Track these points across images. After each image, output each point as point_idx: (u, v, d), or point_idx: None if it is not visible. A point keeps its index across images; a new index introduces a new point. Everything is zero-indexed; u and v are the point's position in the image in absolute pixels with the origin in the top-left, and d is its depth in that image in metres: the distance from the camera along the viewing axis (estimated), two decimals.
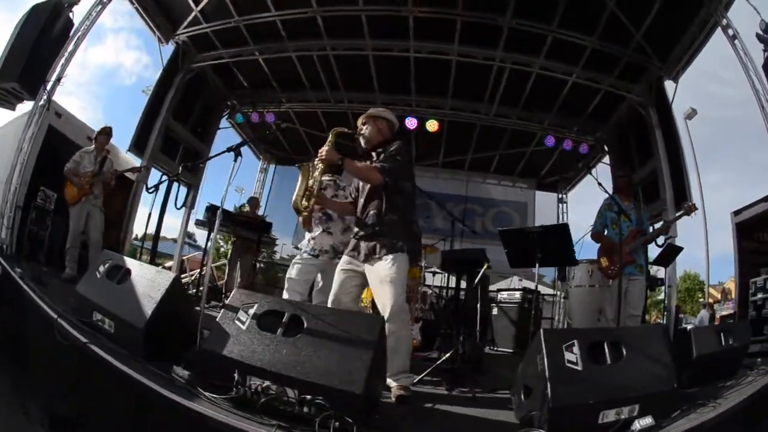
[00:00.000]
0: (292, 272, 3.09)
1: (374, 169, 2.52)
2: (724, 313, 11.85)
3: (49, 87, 5.22)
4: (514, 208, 10.57)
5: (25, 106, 5.32)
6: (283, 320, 2.04)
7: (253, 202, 7.32)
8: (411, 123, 7.75)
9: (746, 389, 2.34)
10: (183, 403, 1.75)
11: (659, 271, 5.37)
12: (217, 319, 2.14)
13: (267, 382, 1.82)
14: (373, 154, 2.69)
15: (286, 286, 3.10)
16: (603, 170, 8.47)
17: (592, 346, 2.07)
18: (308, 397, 1.76)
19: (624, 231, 3.67)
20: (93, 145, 4.90)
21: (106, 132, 5.02)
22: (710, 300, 9.27)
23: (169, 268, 7.78)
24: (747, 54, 4.16)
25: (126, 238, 6.22)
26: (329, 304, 2.56)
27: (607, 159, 8.42)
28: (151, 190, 6.20)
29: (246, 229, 6.10)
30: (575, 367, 1.99)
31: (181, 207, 7.29)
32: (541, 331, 2.15)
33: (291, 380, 1.83)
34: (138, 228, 6.88)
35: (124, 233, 6.20)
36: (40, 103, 5.19)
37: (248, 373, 1.88)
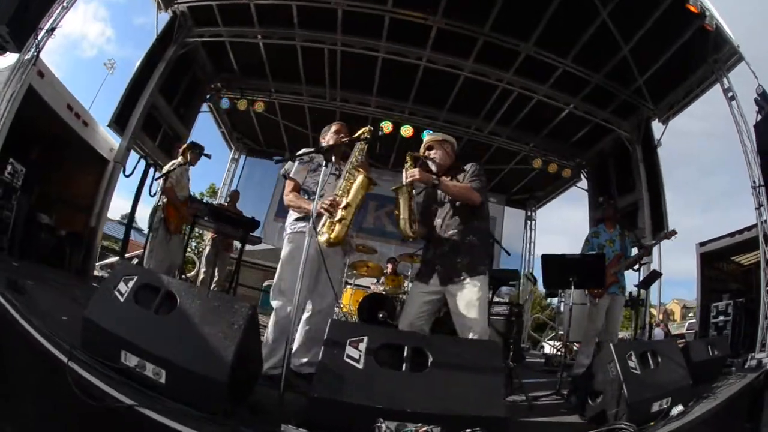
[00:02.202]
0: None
1: (471, 189, 2.87)
2: (676, 332, 14.21)
3: (40, 37, 4.87)
4: None
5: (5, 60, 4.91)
6: (405, 355, 2.19)
7: (234, 195, 7.48)
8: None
9: (733, 387, 3.59)
10: None
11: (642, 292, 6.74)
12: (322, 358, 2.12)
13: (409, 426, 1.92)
14: (443, 178, 3.04)
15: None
16: (576, 193, 10.17)
17: (641, 355, 3.00)
18: (469, 430, 1.95)
19: (609, 256, 4.76)
20: (182, 160, 4.98)
21: (197, 147, 5.10)
22: (660, 318, 11.14)
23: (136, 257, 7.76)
24: (742, 114, 5.45)
25: (98, 227, 6.05)
26: (402, 326, 2.96)
27: (581, 184, 9.99)
28: (128, 174, 6.39)
29: (230, 225, 6.02)
30: (636, 372, 2.88)
31: (155, 194, 7.39)
32: (611, 345, 3.02)
33: (432, 417, 1.98)
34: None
35: (96, 221, 6.04)
36: (27, 57, 4.85)
37: (383, 416, 1.94)
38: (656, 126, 7.62)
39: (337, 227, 2.76)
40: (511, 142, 9.32)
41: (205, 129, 9.91)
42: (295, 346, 3.11)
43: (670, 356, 3.18)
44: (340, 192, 2.90)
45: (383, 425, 1.90)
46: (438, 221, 3.03)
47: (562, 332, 8.18)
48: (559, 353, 7.58)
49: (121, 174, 6.33)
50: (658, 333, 10.45)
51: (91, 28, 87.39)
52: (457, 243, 2.90)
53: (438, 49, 7.21)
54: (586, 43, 6.51)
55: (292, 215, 3.19)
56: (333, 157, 3.01)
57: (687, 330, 14.58)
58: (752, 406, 3.74)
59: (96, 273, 6.29)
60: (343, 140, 3.20)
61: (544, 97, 7.80)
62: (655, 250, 6.16)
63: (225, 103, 8.70)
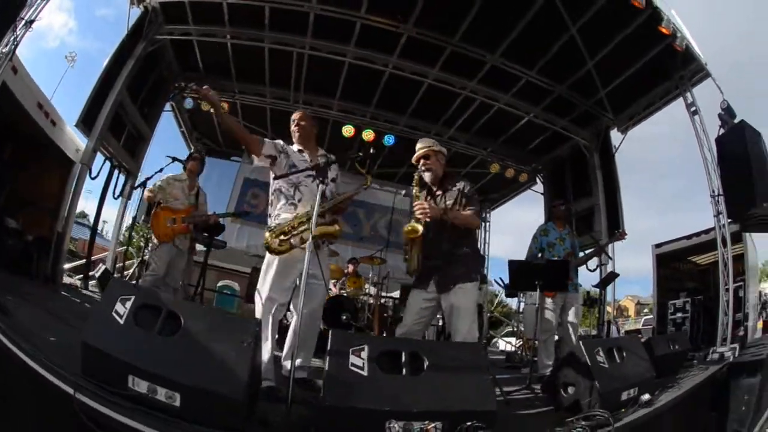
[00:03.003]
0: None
1: (475, 216, 3.19)
2: (631, 328, 15.14)
3: (19, 29, 4.53)
4: None
5: None
6: (403, 360, 2.33)
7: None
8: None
9: (696, 378, 4.02)
10: None
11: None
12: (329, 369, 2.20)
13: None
14: (434, 187, 3.34)
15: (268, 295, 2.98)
16: (529, 195, 10.68)
17: (608, 350, 3.33)
18: (468, 423, 2.15)
19: (560, 253, 5.08)
20: (183, 173, 4.86)
21: (200, 158, 5.03)
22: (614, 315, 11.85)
23: (103, 261, 7.53)
24: (704, 128, 5.87)
25: (66, 231, 5.79)
26: (400, 333, 3.20)
27: (537, 187, 10.44)
28: (94, 177, 6.21)
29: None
30: (605, 365, 3.21)
31: (118, 197, 7.20)
32: (582, 344, 3.33)
33: (434, 415, 2.15)
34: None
35: (63, 225, 5.78)
36: (5, 50, 4.54)
37: (392, 418, 2.10)
38: (614, 134, 8.08)
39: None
40: (469, 147, 9.63)
41: (167, 128, 9.61)
42: (285, 350, 3.21)
43: (633, 351, 3.57)
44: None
45: (395, 426, 2.06)
46: (433, 233, 3.21)
47: (521, 330, 8.58)
48: (519, 351, 8.00)
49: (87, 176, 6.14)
50: (613, 330, 11.17)
51: (57, 19, 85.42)
52: (454, 255, 3.17)
53: (405, 56, 7.35)
54: (552, 56, 6.82)
55: (271, 221, 3.16)
56: (307, 154, 3.26)
57: (643, 326, 15.64)
58: (716, 397, 4.16)
59: (65, 280, 6.08)
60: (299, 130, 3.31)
61: (505, 106, 8.10)
62: (610, 251, 6.52)
63: (189, 103, 8.51)
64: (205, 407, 1.97)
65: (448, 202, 3.28)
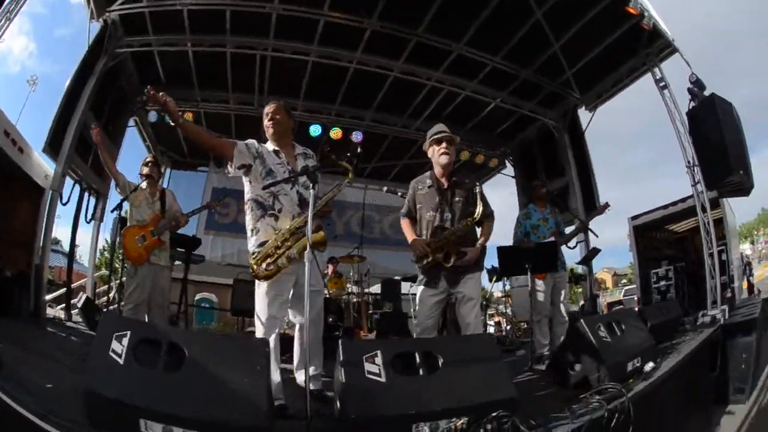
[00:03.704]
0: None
1: (491, 222, 3.36)
2: (611, 300, 15.52)
3: None
4: None
5: None
6: (418, 361, 2.29)
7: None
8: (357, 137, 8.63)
9: (693, 342, 4.14)
10: None
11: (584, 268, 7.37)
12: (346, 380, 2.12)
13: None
14: (444, 179, 3.35)
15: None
16: (498, 179, 10.76)
17: (608, 325, 3.40)
18: (493, 414, 2.13)
19: (545, 234, 5.11)
20: (143, 181, 4.51)
21: (152, 161, 4.68)
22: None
23: (82, 288, 7.21)
24: (674, 101, 5.89)
25: (44, 262, 5.49)
26: (417, 333, 3.31)
27: (507, 171, 10.50)
28: (65, 202, 5.93)
29: (172, 245, 5.70)
30: (608, 340, 3.27)
31: (91, 220, 6.90)
32: (583, 322, 3.36)
33: (458, 410, 2.13)
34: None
35: (40, 257, 5.48)
36: None
37: (418, 420, 2.07)
38: (582, 113, 8.17)
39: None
40: None
41: (131, 144, 9.27)
42: (295, 362, 3.12)
43: (632, 323, 3.68)
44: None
45: (423, 428, 2.02)
46: (435, 225, 3.28)
47: (508, 313, 8.69)
48: (510, 334, 8.12)
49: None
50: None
51: (16, 43, 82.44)
52: (463, 245, 3.20)
53: (370, 51, 7.28)
54: (518, 41, 6.86)
55: (254, 240, 2.90)
56: (284, 155, 3.03)
57: (624, 296, 16.03)
58: (714, 358, 4.32)
59: (48, 312, 5.81)
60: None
61: (471, 93, 8.13)
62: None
63: (153, 116, 8.20)
64: None
65: (456, 199, 3.29)
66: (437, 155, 3.34)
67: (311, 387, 2.65)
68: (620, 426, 2.46)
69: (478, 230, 3.42)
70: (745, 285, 9.60)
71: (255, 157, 2.93)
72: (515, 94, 8.20)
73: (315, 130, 8.54)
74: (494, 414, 2.14)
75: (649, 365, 3.33)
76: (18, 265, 5.39)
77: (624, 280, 34.75)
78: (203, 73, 7.82)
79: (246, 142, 2.97)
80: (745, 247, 26.30)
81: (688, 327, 4.96)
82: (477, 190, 3.28)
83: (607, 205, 5.47)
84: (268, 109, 3.08)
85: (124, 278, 4.53)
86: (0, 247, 5.33)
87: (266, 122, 3.05)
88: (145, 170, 4.61)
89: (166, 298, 4.65)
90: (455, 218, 3.27)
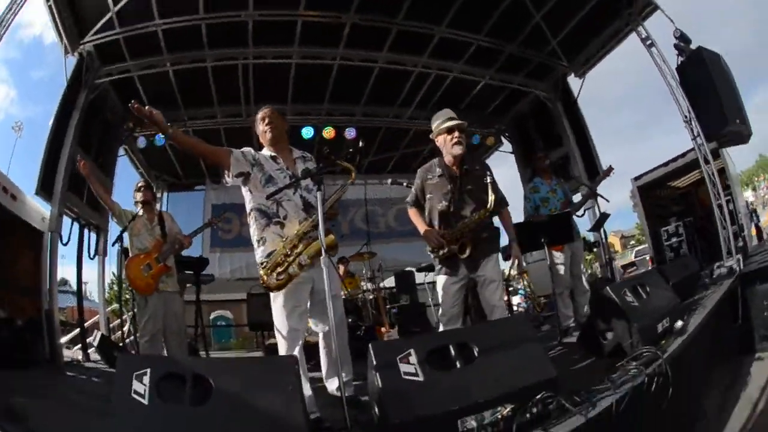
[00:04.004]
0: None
1: (508, 214, 3.37)
2: (621, 263, 15.50)
3: None
4: None
5: None
6: (453, 354, 2.19)
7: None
8: (350, 133, 8.55)
9: (715, 294, 4.10)
10: None
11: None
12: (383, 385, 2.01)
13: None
14: (455, 167, 3.26)
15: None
16: (501, 157, 10.68)
17: (633, 289, 3.34)
18: (537, 397, 2.06)
19: (556, 206, 5.05)
20: (139, 208, 4.41)
21: (144, 185, 4.57)
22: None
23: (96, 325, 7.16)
24: (663, 58, 5.82)
25: (53, 306, 5.40)
26: (443, 323, 3.25)
27: (504, 148, 10.43)
28: (66, 242, 5.85)
29: (180, 268, 5.34)
30: (636, 304, 3.22)
31: (94, 256, 6.82)
32: (608, 288, 3.29)
33: (501, 398, 2.04)
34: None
35: (49, 301, 5.39)
36: None
37: (463, 414, 1.97)
38: (573, 80, 8.11)
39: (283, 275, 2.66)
40: (429, 122, 9.43)
41: (125, 173, 9.21)
42: (323, 371, 3.03)
43: (655, 283, 3.62)
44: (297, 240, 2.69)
45: (469, 422, 1.94)
46: (454, 214, 3.22)
47: (527, 289, 8.60)
48: (530, 310, 8.05)
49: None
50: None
51: None
52: (479, 230, 3.17)
53: (351, 45, 7.16)
54: (498, 16, 6.75)
55: (261, 250, 2.80)
56: (282, 160, 2.90)
57: (636, 257, 15.97)
58: (735, 308, 4.29)
59: (65, 354, 5.74)
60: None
61: (459, 74, 8.03)
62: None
63: (141, 142, 8.18)
64: None
65: (468, 187, 3.23)
66: (450, 145, 3.22)
67: (347, 394, 2.61)
68: (660, 389, 2.42)
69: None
70: (753, 232, 9.60)
71: (252, 164, 2.81)
72: (503, 69, 8.10)
73: (307, 132, 8.47)
74: (538, 396, 2.07)
75: (679, 323, 3.26)
76: (27, 313, 5.34)
77: (632, 242, 34.69)
78: (187, 91, 7.73)
79: (242, 150, 2.84)
80: (748, 195, 26.33)
81: (707, 281, 4.89)
82: (488, 180, 3.19)
83: (611, 169, 5.38)
84: (264, 113, 2.95)
85: (135, 310, 4.45)
86: (6, 297, 5.28)
87: (263, 127, 2.93)
88: (139, 196, 4.48)
89: (181, 325, 4.55)
90: (468, 207, 3.21)
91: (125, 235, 4.38)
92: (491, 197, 3.12)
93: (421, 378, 2.07)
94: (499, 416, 2.00)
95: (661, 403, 2.49)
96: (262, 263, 2.73)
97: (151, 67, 6.88)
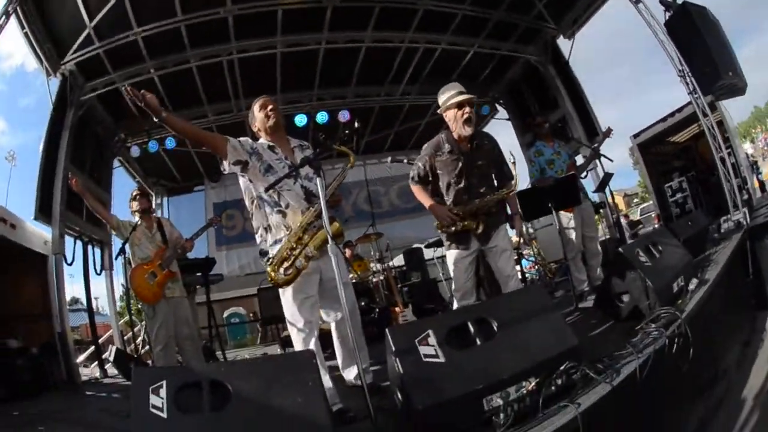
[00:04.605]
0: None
1: (513, 187, 3.30)
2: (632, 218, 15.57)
3: None
4: None
5: None
6: (472, 331, 2.17)
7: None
8: (343, 116, 8.46)
9: (726, 249, 4.08)
10: None
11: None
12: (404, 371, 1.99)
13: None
14: (465, 143, 3.20)
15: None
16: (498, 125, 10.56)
17: (646, 249, 3.32)
18: (561, 368, 2.06)
19: (562, 168, 4.90)
20: (137, 218, 4.39)
21: (140, 192, 4.53)
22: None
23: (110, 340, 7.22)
24: (651, 14, 5.72)
25: (65, 328, 5.42)
26: (457, 298, 3.29)
27: (500, 115, 10.34)
28: (71, 262, 5.85)
29: (186, 273, 5.20)
30: (650, 264, 3.19)
31: (101, 271, 6.83)
32: (622, 249, 3.30)
33: (524, 372, 2.02)
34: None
35: (60, 323, 5.40)
36: None
37: (487, 392, 1.95)
38: (562, 42, 7.97)
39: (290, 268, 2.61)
40: (423, 96, 9.29)
41: (123, 184, 9.21)
42: (339, 360, 3.01)
43: (666, 242, 3.59)
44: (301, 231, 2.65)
45: (495, 400, 1.92)
46: (461, 185, 3.22)
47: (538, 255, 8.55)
48: (541, 277, 8.01)
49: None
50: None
51: None
52: (486, 205, 3.19)
53: (335, 28, 7.05)
54: None
55: (270, 237, 2.80)
56: (280, 150, 2.83)
57: (641, 215, 15.93)
58: (746, 263, 4.28)
59: (84, 375, 5.80)
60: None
61: (447, 46, 7.89)
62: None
63: (135, 151, 8.15)
64: None
65: (479, 162, 3.22)
66: (461, 122, 3.12)
67: (369, 381, 2.60)
68: (680, 350, 2.42)
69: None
70: (756, 184, 9.55)
71: (250, 153, 2.73)
72: (491, 37, 7.96)
73: (300, 120, 8.39)
74: (562, 368, 2.06)
75: (693, 282, 3.25)
76: (41, 338, 5.39)
77: (636, 200, 34.55)
78: (174, 94, 7.63)
79: (239, 138, 2.76)
80: (747, 147, 26.15)
81: (716, 235, 4.89)
82: (497, 152, 3.29)
83: (610, 130, 5.26)
84: (264, 101, 2.89)
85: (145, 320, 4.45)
86: (19, 326, 5.37)
87: (265, 113, 2.85)
88: (135, 205, 4.43)
89: (192, 329, 4.51)
90: (482, 183, 3.22)
91: (127, 246, 4.35)
92: (515, 171, 3.24)
93: (441, 359, 2.05)
94: (525, 391, 1.98)
95: (682, 365, 2.48)
96: (268, 259, 2.71)
97: (135, 76, 6.80)
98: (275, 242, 2.72)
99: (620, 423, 2.20)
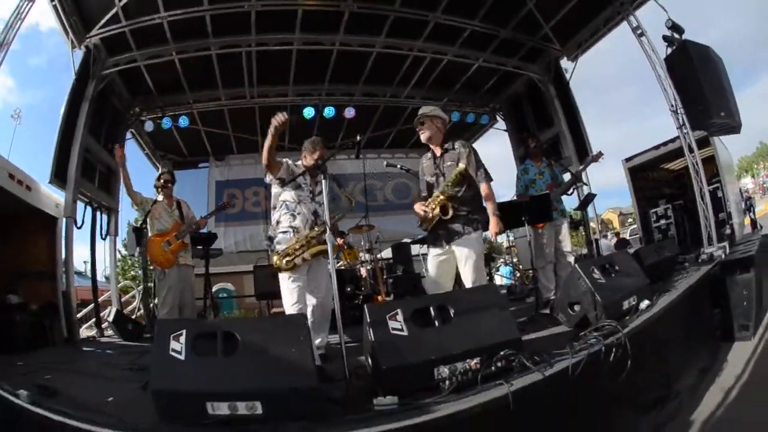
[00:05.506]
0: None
1: (490, 189, 3.75)
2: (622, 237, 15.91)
3: None
4: (408, 178, 12.46)
5: None
6: (433, 314, 2.69)
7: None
8: (349, 113, 9.01)
9: (691, 278, 4.40)
10: None
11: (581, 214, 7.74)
12: (375, 338, 2.56)
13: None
14: (437, 149, 3.87)
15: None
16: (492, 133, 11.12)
17: (601, 267, 3.81)
18: (501, 353, 2.52)
19: (542, 187, 5.48)
20: (159, 193, 5.06)
21: (171, 173, 5.28)
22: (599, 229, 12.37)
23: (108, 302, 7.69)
24: (652, 47, 6.16)
25: (70, 289, 5.82)
26: (430, 288, 3.85)
27: (499, 125, 10.85)
28: (80, 226, 6.31)
29: (192, 243, 5.68)
30: (602, 281, 3.67)
31: (106, 236, 7.32)
32: (577, 266, 3.80)
33: (471, 352, 2.52)
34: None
35: (66, 283, 5.83)
36: None
37: (440, 363, 2.47)
38: (565, 63, 8.43)
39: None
40: (426, 101, 9.66)
41: (131, 154, 9.67)
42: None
43: (625, 264, 4.07)
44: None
45: (444, 370, 2.45)
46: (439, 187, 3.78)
47: (513, 262, 9.10)
48: (518, 283, 8.58)
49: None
50: (604, 244, 11.86)
51: None
52: (460, 206, 3.67)
53: (351, 32, 7.51)
54: (492, 2, 7.07)
55: (281, 235, 3.72)
56: (309, 177, 3.79)
57: (630, 236, 16.41)
58: (715, 294, 4.55)
59: (83, 335, 6.24)
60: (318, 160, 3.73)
61: (454, 57, 8.36)
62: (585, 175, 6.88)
63: (149, 125, 8.60)
64: (287, 405, 2.18)
65: (447, 163, 3.78)
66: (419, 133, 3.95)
67: (321, 353, 3.51)
68: (619, 360, 2.75)
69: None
70: (747, 221, 9.75)
71: (291, 174, 3.76)
72: (497, 52, 8.42)
73: (308, 112, 8.91)
74: (501, 353, 2.55)
75: (645, 303, 3.66)
76: (43, 297, 5.73)
77: (630, 220, 35.11)
78: (192, 77, 8.12)
79: (289, 162, 3.83)
80: (747, 181, 26.35)
81: (688, 265, 5.21)
82: (458, 150, 3.79)
83: (600, 154, 5.72)
84: (321, 151, 3.80)
85: (150, 284, 4.98)
86: (21, 284, 5.63)
87: (314, 156, 3.79)
88: (166, 177, 5.20)
89: (193, 297, 5.15)
90: (447, 179, 3.73)
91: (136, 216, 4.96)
92: (462, 161, 3.70)
93: (405, 333, 2.61)
94: (468, 367, 2.50)
95: (620, 374, 2.74)
96: (277, 252, 3.65)
97: (157, 57, 7.23)
98: (281, 232, 3.71)
99: (552, 411, 2.57)
